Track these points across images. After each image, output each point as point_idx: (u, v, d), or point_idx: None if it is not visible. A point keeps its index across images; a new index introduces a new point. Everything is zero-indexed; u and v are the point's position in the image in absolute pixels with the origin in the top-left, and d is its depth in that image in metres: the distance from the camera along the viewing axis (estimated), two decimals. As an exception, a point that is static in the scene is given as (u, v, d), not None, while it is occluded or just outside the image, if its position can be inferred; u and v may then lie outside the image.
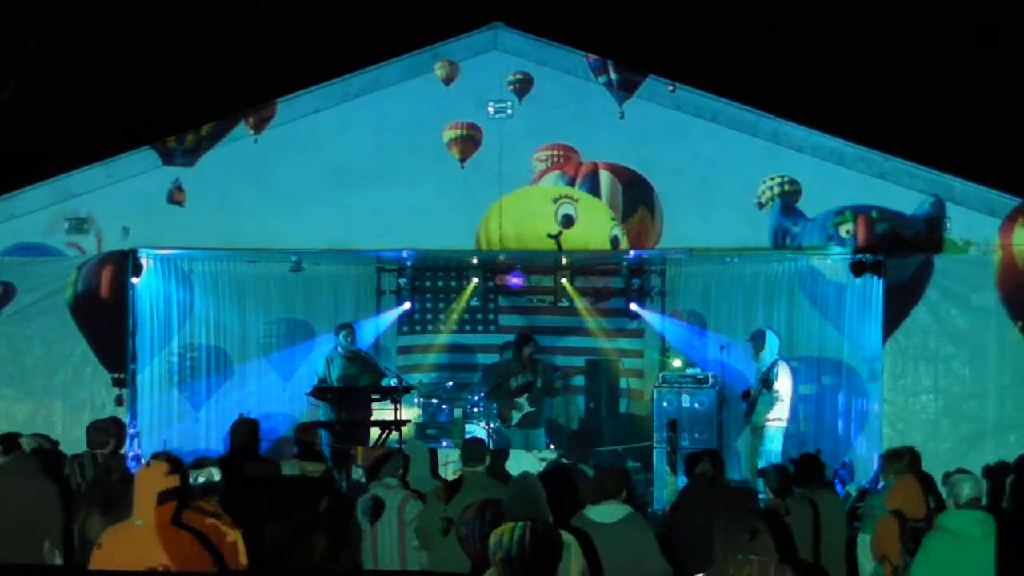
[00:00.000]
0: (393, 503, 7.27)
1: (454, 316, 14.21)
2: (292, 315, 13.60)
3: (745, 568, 4.62)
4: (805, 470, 8.47)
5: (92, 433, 8.41)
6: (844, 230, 10.97)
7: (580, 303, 14.17)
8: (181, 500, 5.51)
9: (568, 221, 11.28)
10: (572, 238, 11.41)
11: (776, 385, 11.76)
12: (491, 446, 11.99)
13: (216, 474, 6.03)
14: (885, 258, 10.97)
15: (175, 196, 11.40)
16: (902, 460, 7.98)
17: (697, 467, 8.04)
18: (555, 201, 11.34)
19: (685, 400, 12.49)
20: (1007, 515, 7.27)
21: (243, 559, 5.76)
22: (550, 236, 11.37)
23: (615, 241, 11.35)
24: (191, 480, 5.88)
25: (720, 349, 12.92)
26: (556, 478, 7.91)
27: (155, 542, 5.39)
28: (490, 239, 11.40)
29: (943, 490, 7.15)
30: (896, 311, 10.93)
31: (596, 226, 11.37)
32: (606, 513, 6.61)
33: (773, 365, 11.84)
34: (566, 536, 5.46)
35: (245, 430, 9.04)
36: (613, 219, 11.35)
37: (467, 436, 12.48)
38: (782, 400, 11.79)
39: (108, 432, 8.47)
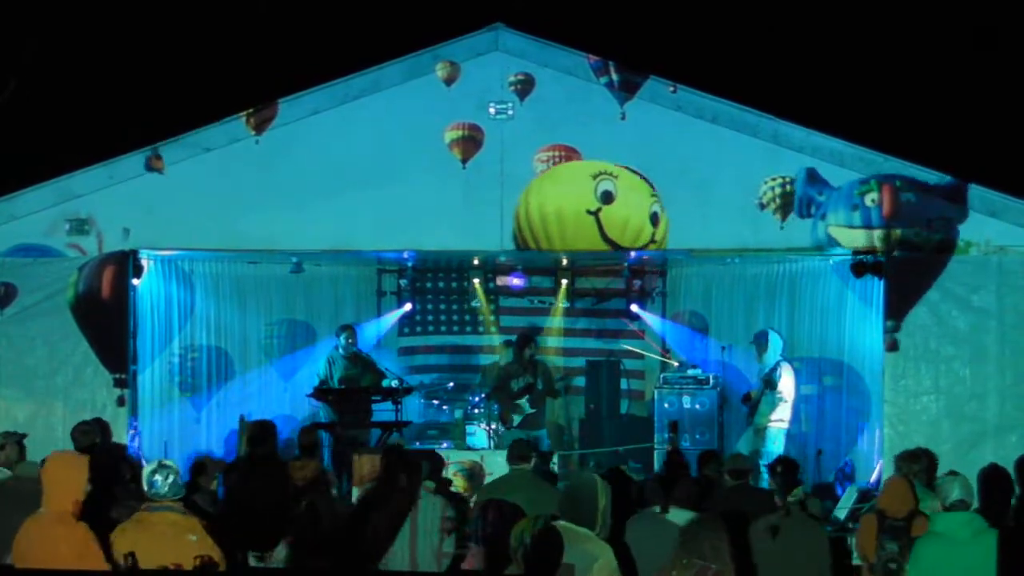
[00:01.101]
0: (434, 508, 7.23)
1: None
2: (293, 316, 13.62)
3: (686, 571, 4.61)
4: (783, 477, 8.50)
5: (77, 435, 8.45)
6: (869, 199, 10.91)
7: (581, 304, 14.20)
8: (89, 495, 5.73)
9: (607, 197, 11.18)
10: (611, 214, 11.27)
11: (779, 386, 11.78)
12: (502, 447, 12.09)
13: (179, 477, 6.06)
14: (887, 259, 10.96)
15: (153, 164, 11.36)
16: (919, 462, 7.95)
17: (739, 464, 8.12)
18: (594, 177, 11.24)
19: (686, 401, 12.52)
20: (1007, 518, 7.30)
21: (217, 557, 5.80)
22: (589, 212, 11.26)
23: (654, 217, 11.23)
24: (161, 479, 5.93)
25: (721, 350, 12.94)
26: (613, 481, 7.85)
27: (52, 533, 5.60)
28: (531, 218, 11.26)
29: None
30: (896, 312, 10.92)
31: (636, 202, 11.23)
32: (686, 519, 6.53)
33: (776, 366, 11.85)
34: (600, 545, 5.42)
35: (262, 433, 9.06)
36: (653, 195, 11.26)
37: (467, 436, 12.57)
38: (785, 401, 11.81)
39: (93, 433, 8.54)
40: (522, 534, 4.69)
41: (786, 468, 8.51)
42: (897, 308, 10.89)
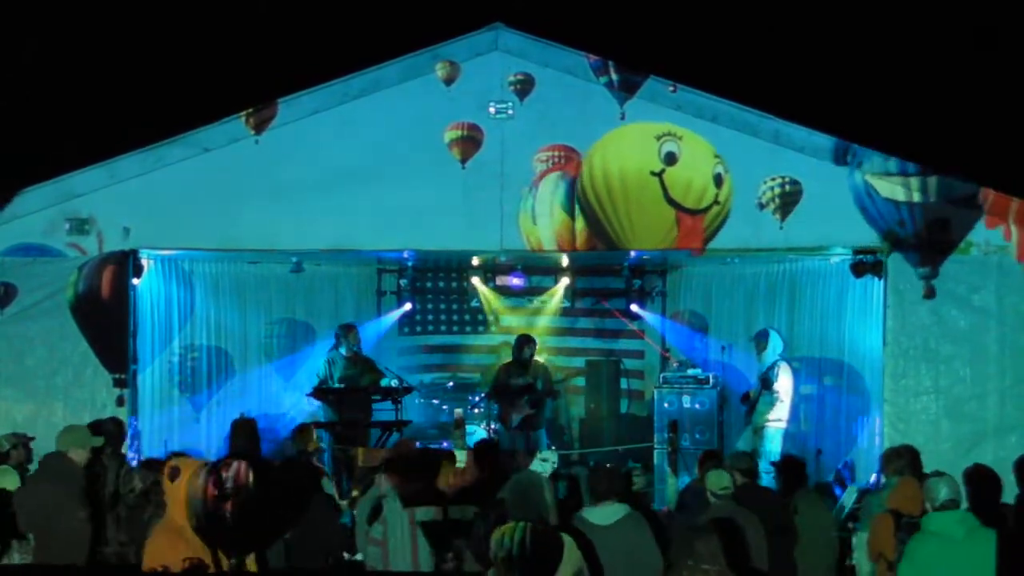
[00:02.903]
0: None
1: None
2: (293, 316, 13.62)
3: (694, 572, 4.65)
4: (785, 476, 8.54)
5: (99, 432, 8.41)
6: None
7: (581, 304, 14.19)
8: None
9: (671, 159, 11.14)
10: (675, 176, 11.23)
11: (776, 385, 11.78)
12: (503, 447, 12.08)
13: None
14: (886, 258, 10.97)
15: None
16: (902, 459, 8.01)
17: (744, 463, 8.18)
18: (658, 139, 11.20)
19: (686, 400, 12.52)
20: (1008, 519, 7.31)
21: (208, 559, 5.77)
22: (652, 173, 11.22)
23: (718, 179, 11.18)
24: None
25: (721, 350, 12.94)
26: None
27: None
28: (594, 178, 11.22)
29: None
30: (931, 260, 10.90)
31: (699, 164, 11.20)
32: (604, 515, 6.60)
33: (773, 365, 11.85)
34: (563, 536, 5.47)
35: (245, 431, 9.04)
36: (716, 157, 11.23)
37: (467, 436, 12.54)
38: (782, 400, 11.81)
39: (109, 433, 8.48)
40: (502, 538, 4.66)
41: (788, 467, 8.58)
42: (933, 257, 10.85)
